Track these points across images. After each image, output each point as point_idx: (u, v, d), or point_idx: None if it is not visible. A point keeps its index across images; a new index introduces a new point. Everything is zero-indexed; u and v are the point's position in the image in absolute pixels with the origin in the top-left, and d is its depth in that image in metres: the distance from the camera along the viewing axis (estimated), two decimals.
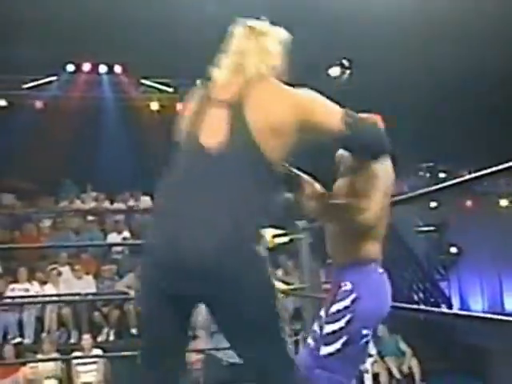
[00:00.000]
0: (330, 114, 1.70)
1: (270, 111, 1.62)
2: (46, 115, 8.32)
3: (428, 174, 11.06)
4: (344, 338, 1.81)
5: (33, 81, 8.58)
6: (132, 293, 6.20)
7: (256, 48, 1.76)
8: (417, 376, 6.74)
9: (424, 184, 9.20)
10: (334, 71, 8.38)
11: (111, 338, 6.76)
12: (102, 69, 8.60)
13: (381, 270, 1.94)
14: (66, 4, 7.06)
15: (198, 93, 1.78)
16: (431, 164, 11.06)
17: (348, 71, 8.21)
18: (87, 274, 7.03)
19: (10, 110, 8.51)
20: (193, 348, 5.43)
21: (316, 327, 2.02)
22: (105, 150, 8.52)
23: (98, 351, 6.10)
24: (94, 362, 6.08)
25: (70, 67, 8.46)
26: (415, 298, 9.12)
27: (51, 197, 8.37)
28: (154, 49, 7.72)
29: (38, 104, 8.71)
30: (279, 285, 3.20)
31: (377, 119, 1.85)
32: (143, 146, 8.54)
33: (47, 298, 6.72)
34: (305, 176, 1.99)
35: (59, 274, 6.95)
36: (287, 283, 3.46)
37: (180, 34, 7.42)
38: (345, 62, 8.23)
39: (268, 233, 2.83)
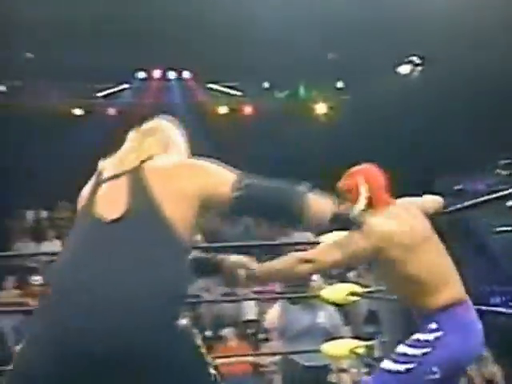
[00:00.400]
0: (221, 183, 1.59)
1: (171, 177, 1.55)
2: (120, 122, 8.62)
3: (506, 172, 10.69)
4: (411, 365, 1.79)
5: (105, 89, 8.94)
6: (205, 296, 6.33)
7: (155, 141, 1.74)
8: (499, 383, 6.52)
9: (502, 182, 8.92)
10: (404, 69, 8.28)
11: None
12: (171, 75, 8.89)
13: (469, 315, 1.89)
14: (136, 14, 7.33)
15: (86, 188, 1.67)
16: (509, 161, 10.69)
17: (419, 68, 8.09)
18: None
19: (85, 118, 8.87)
20: (268, 351, 5.50)
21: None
22: None
23: None
24: None
25: (141, 74, 8.81)
26: (494, 301, 8.85)
27: None
28: (221, 53, 7.88)
29: (112, 111, 9.07)
30: (352, 287, 3.21)
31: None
32: (212, 149, 8.67)
33: None
34: (232, 258, 1.96)
35: None
36: (362, 285, 3.38)
37: (246, 37, 7.53)
38: (415, 59, 8.11)
39: None
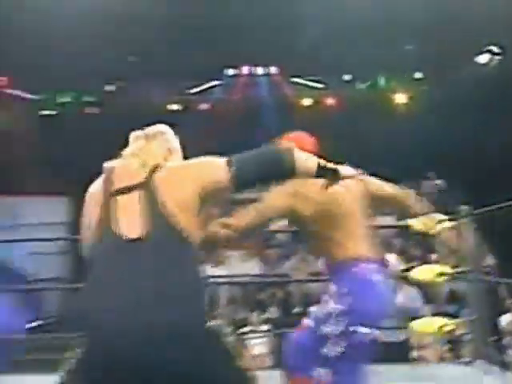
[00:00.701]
0: (216, 170, 1.63)
1: (177, 186, 1.57)
2: (213, 117, 9.41)
3: None
4: (346, 341, 1.84)
5: (198, 86, 9.69)
6: (295, 275, 6.82)
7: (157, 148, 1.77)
8: None
9: None
10: (483, 58, 8.40)
11: (275, 315, 7.48)
12: (259, 71, 9.52)
13: (371, 268, 1.93)
14: (224, 13, 7.87)
15: (96, 188, 1.66)
16: None
17: (497, 58, 8.19)
18: (253, 257, 7.85)
19: (181, 113, 9.60)
20: None
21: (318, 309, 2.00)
22: (263, 144, 9.25)
23: (265, 327, 6.83)
24: (262, 337, 6.84)
25: (230, 71, 9.51)
26: None
27: None
28: (304, 48, 8.33)
29: (204, 106, 9.75)
30: (441, 267, 3.34)
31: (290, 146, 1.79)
32: None
33: (220, 280, 7.61)
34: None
35: (228, 257, 7.85)
36: (448, 266, 3.43)
37: (327, 32, 7.88)
38: (494, 48, 8.22)
39: (433, 218, 2.83)
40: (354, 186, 2.08)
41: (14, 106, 9.30)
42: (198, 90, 9.63)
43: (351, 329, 1.82)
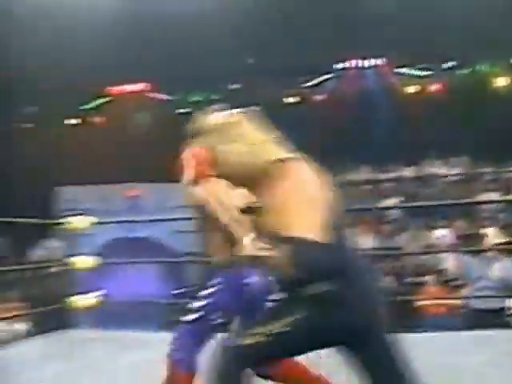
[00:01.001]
0: None
1: None
2: (326, 107, 10.33)
3: None
4: (198, 314, 2.05)
5: (311, 80, 10.72)
6: (406, 248, 7.42)
7: None
8: None
9: None
10: None
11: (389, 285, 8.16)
12: (366, 63, 10.41)
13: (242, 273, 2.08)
14: (329, 12, 8.83)
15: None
16: None
17: None
18: (368, 232, 8.63)
19: (298, 105, 10.66)
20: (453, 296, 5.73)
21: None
22: (374, 130, 9.99)
23: None
24: None
25: (340, 65, 10.46)
26: None
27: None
28: (409, 39, 8.99)
29: (319, 98, 10.71)
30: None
31: None
32: (404, 126, 10.02)
33: None
34: None
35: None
36: None
37: (429, 23, 8.63)
38: None
39: None
40: None
41: (155, 107, 10.89)
42: (311, 83, 10.63)
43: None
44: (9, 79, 9.40)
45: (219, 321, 2.04)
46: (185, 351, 2.02)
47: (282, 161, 1.50)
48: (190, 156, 1.57)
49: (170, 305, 7.67)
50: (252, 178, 1.52)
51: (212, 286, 2.10)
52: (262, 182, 1.51)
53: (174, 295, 9.04)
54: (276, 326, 1.50)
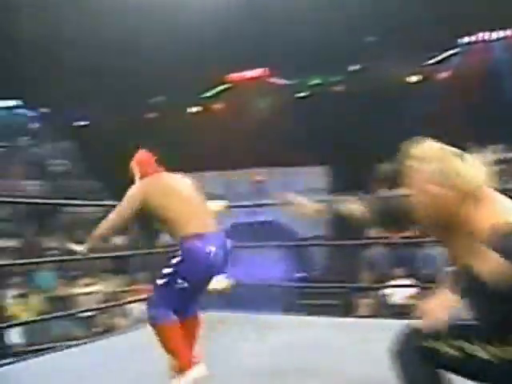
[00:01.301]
0: None
1: None
2: (452, 84, 9.89)
3: None
4: (166, 279, 2.37)
5: (433, 57, 10.35)
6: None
7: None
8: None
9: None
10: None
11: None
12: (494, 35, 9.84)
13: (199, 244, 2.37)
14: None
15: None
16: None
17: None
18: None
19: (421, 84, 10.27)
20: None
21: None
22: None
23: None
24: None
25: (465, 39, 9.98)
26: None
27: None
28: None
29: (444, 75, 10.23)
30: None
31: None
32: None
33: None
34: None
35: None
36: None
37: None
38: None
39: None
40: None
41: (274, 91, 11.04)
42: (435, 60, 10.26)
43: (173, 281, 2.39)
44: (138, 73, 9.99)
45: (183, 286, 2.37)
46: (155, 307, 2.37)
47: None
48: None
49: (294, 288, 7.87)
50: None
51: (177, 256, 2.39)
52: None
53: (298, 279, 9.25)
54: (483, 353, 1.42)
